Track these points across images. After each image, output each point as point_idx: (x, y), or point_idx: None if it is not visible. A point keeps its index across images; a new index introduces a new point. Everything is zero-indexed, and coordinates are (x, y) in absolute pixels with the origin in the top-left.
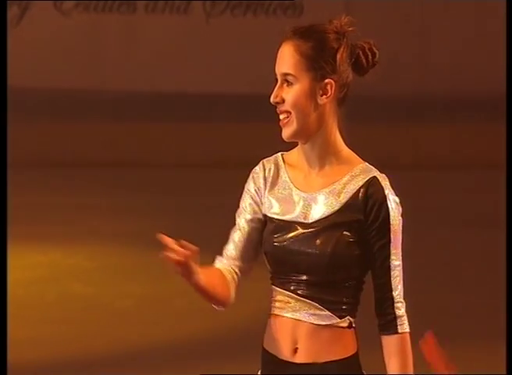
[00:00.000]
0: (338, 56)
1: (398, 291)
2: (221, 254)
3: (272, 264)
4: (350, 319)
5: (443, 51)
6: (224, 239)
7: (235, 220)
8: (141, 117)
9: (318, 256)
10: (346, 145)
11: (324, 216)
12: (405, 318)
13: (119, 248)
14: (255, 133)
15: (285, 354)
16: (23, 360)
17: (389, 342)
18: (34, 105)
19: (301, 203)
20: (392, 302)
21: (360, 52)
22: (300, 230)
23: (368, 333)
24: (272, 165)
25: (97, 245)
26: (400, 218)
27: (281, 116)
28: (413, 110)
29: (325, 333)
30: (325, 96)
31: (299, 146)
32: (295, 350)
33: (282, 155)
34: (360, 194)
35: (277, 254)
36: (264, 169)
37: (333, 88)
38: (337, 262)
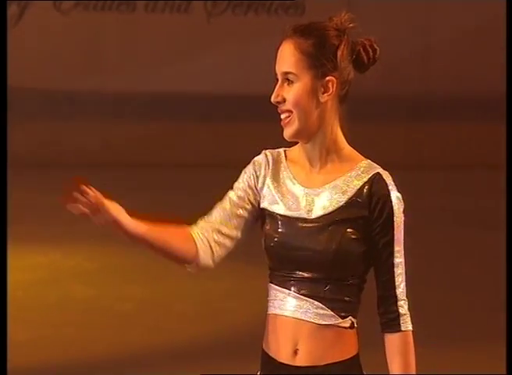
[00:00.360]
0: (339, 53)
1: (401, 289)
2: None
3: (274, 260)
4: (352, 319)
5: (446, 50)
6: None
7: None
8: (141, 117)
9: (321, 253)
10: (348, 143)
11: (328, 211)
12: (408, 316)
13: (120, 250)
14: (257, 133)
15: (285, 356)
16: (23, 363)
17: (391, 340)
18: (33, 105)
19: (304, 199)
20: (396, 300)
21: (361, 49)
22: (304, 226)
23: (366, 333)
24: (275, 158)
25: (98, 246)
26: (403, 215)
27: (282, 116)
28: (414, 110)
29: (327, 333)
30: (326, 94)
31: (300, 144)
32: (295, 351)
33: (284, 151)
34: (365, 191)
35: (279, 250)
36: (267, 160)
37: (335, 86)
38: (341, 259)
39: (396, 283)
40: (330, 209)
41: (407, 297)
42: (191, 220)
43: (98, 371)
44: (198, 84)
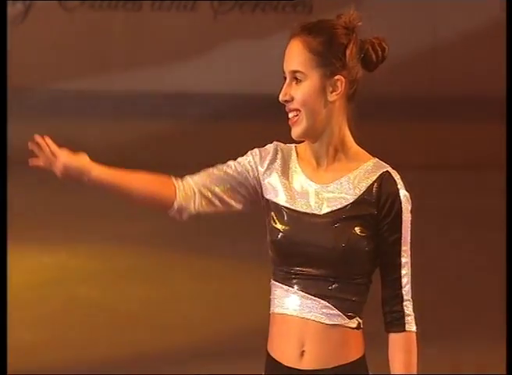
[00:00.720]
0: (347, 52)
1: (407, 289)
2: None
3: (279, 255)
4: (359, 319)
5: (454, 51)
6: (229, 240)
7: (241, 222)
8: (147, 117)
9: (329, 249)
10: (356, 142)
11: (336, 208)
12: (413, 318)
13: (125, 250)
14: (265, 132)
15: (291, 358)
16: (26, 364)
17: (395, 340)
18: (38, 104)
19: (313, 194)
20: (401, 300)
21: (370, 48)
22: (311, 221)
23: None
24: (285, 151)
25: (103, 247)
26: (410, 214)
27: (290, 115)
28: (422, 110)
29: (333, 334)
30: (335, 93)
31: (307, 142)
32: (302, 353)
33: (295, 147)
34: (374, 189)
35: (285, 244)
36: (277, 150)
37: (343, 85)
38: (349, 257)
39: (403, 283)
40: (339, 206)
41: (411, 298)
42: (197, 222)
43: (103, 372)
44: (205, 83)
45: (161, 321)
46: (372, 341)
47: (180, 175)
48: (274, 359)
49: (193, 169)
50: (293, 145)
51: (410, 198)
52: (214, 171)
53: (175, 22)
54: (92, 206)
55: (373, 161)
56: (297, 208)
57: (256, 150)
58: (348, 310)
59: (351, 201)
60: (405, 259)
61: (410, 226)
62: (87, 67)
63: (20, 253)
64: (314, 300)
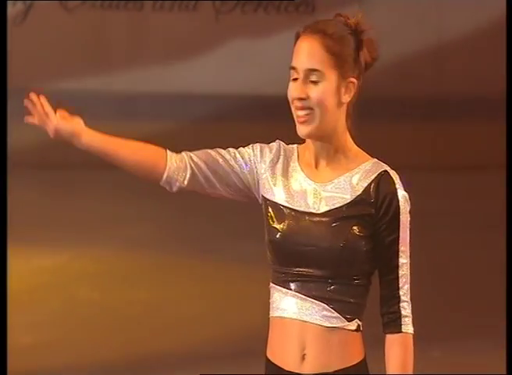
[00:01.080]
0: (361, 54)
1: (405, 290)
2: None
3: (277, 255)
4: (359, 322)
5: (459, 50)
6: (230, 242)
7: (243, 225)
8: (148, 117)
9: (327, 249)
10: (356, 143)
11: (335, 207)
12: (410, 319)
13: (125, 253)
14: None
15: (292, 362)
16: (27, 367)
17: (391, 341)
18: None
19: (311, 193)
20: (398, 301)
21: (366, 49)
22: (310, 220)
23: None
24: (287, 150)
25: (104, 250)
26: (409, 215)
27: (301, 112)
28: (426, 110)
29: (333, 336)
30: (347, 95)
31: (308, 142)
32: (302, 357)
33: (297, 147)
34: (372, 188)
35: (283, 243)
36: (279, 151)
37: (355, 87)
38: (347, 257)
39: (400, 284)
40: (337, 205)
41: (411, 299)
42: (200, 224)
43: None
44: (207, 84)
45: (162, 323)
46: (374, 342)
47: None
48: (274, 365)
49: None
50: (295, 146)
51: (410, 198)
52: (211, 152)
53: (176, 22)
54: (93, 209)
55: (372, 161)
56: (295, 207)
57: (258, 146)
58: (347, 312)
59: (349, 201)
60: (403, 260)
61: (409, 226)
62: (87, 67)
63: (21, 255)
64: (313, 302)
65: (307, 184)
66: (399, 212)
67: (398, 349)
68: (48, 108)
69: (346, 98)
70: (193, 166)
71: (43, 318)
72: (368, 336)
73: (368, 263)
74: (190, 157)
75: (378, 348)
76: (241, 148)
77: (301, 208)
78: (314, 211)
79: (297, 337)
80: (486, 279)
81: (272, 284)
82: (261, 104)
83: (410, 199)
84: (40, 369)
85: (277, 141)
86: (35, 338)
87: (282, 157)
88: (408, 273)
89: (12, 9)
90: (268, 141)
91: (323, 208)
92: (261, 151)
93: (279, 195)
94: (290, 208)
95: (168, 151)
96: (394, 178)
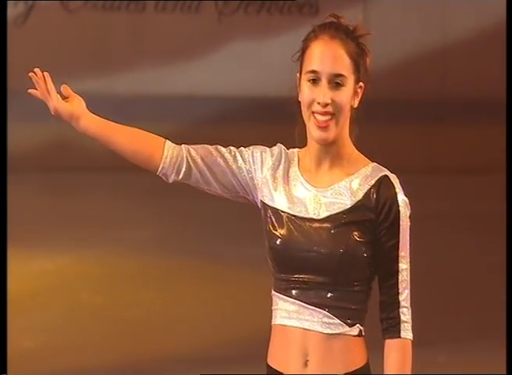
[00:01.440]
0: (367, 59)
1: (404, 296)
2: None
3: (277, 261)
4: (360, 327)
5: (464, 52)
6: (233, 245)
7: (246, 228)
8: (150, 119)
9: (328, 255)
10: (356, 146)
11: (335, 212)
12: (409, 325)
13: (128, 256)
14: (270, 134)
15: (294, 369)
16: (28, 371)
17: (390, 346)
18: (40, 107)
19: (312, 198)
20: (398, 306)
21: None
22: (310, 226)
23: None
24: (288, 155)
25: (107, 252)
26: (409, 220)
27: (322, 118)
28: (431, 112)
29: (336, 343)
30: (357, 99)
31: (310, 147)
32: (305, 363)
33: (298, 151)
34: (372, 193)
35: (283, 250)
36: (281, 156)
37: (363, 91)
38: (348, 263)
39: (400, 290)
40: (337, 211)
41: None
42: (204, 226)
43: None
44: (209, 85)
45: (165, 327)
46: (378, 346)
47: None
48: (277, 371)
49: None
50: (296, 150)
51: (410, 201)
52: (211, 149)
53: (179, 23)
54: (96, 212)
55: (372, 165)
56: (295, 213)
57: (259, 149)
58: (348, 318)
59: (350, 206)
60: (403, 265)
61: (408, 231)
62: (89, 69)
63: (23, 259)
64: (314, 310)
65: (308, 190)
66: (399, 218)
67: (396, 355)
68: (50, 85)
69: (357, 103)
70: (189, 159)
71: (45, 321)
72: (372, 340)
73: (368, 269)
74: (188, 150)
75: (381, 352)
76: (242, 149)
77: (301, 214)
78: (314, 217)
79: (299, 344)
80: (487, 282)
81: (273, 292)
82: (264, 105)
83: (409, 202)
84: (42, 373)
85: (278, 145)
86: (37, 342)
87: (283, 162)
88: (408, 279)
89: (13, 10)
90: (270, 142)
91: (323, 214)
92: (262, 155)
93: (278, 201)
94: (290, 215)
95: (167, 141)
96: (394, 183)
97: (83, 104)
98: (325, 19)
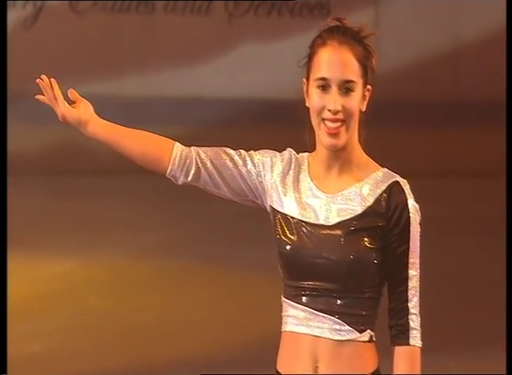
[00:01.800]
0: (374, 62)
1: (414, 303)
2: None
3: (287, 268)
4: (371, 332)
5: (476, 55)
6: (243, 249)
7: (254, 232)
8: (159, 121)
9: (338, 262)
10: (365, 150)
11: (345, 218)
12: (418, 332)
13: (136, 260)
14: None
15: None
16: None
17: (398, 353)
18: (48, 109)
19: (322, 204)
20: (407, 313)
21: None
22: (320, 232)
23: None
24: (298, 161)
25: (114, 257)
26: (419, 226)
27: (333, 125)
28: (443, 115)
29: (346, 349)
30: (365, 103)
31: (319, 152)
32: (315, 369)
33: (308, 156)
34: (383, 200)
35: (293, 256)
36: (291, 161)
37: (370, 94)
38: (358, 269)
39: (409, 297)
40: (347, 217)
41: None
42: (211, 229)
43: None
44: (219, 87)
45: (173, 331)
46: (388, 353)
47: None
48: None
49: None
50: (305, 154)
51: (421, 206)
52: (221, 152)
53: (188, 25)
54: (103, 216)
55: (382, 171)
56: (305, 219)
57: (269, 154)
58: (359, 324)
59: (360, 212)
60: (413, 272)
61: (419, 238)
62: (97, 71)
63: (31, 263)
64: (324, 317)
65: (318, 196)
66: (409, 224)
67: (405, 362)
68: (57, 91)
69: (364, 106)
70: (199, 161)
71: (53, 326)
72: (383, 346)
73: (378, 275)
74: (198, 152)
75: (392, 358)
76: (252, 152)
77: (311, 220)
78: (324, 223)
79: (309, 350)
80: (488, 285)
81: (283, 298)
82: (274, 108)
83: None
84: None
85: (288, 149)
86: (44, 347)
87: (293, 167)
88: (418, 286)
89: (21, 13)
90: (279, 145)
91: (333, 220)
92: (272, 159)
93: (288, 207)
94: (300, 220)
95: (176, 143)
96: (405, 188)
97: (91, 108)
98: (329, 23)
